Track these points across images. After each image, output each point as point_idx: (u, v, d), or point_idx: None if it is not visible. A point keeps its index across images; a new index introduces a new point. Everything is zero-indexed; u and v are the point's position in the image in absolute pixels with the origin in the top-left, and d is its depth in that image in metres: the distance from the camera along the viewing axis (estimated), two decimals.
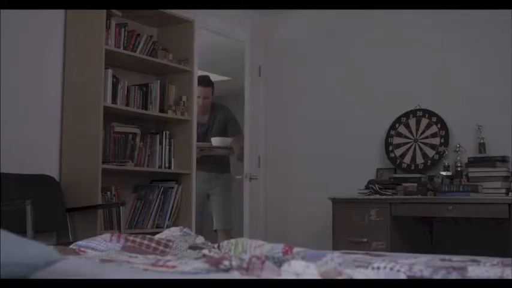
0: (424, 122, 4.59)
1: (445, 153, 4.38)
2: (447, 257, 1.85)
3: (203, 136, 4.84)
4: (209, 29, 4.97)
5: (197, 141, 4.52)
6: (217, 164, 4.95)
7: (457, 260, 1.78)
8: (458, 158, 4.27)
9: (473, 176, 4.14)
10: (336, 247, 4.03)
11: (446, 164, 4.31)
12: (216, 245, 2.01)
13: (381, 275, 1.33)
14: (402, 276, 1.34)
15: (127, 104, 4.06)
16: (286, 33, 5.37)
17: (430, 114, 4.58)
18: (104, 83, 3.80)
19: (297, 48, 5.33)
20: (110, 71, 3.89)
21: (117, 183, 4.09)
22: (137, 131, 4.16)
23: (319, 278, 1.25)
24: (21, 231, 2.29)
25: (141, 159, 4.17)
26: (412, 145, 4.62)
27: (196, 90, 4.56)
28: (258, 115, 5.38)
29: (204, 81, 4.89)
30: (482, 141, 4.27)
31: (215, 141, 4.90)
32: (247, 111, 5.44)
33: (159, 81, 4.29)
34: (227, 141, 4.95)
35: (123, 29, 4.02)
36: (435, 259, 1.76)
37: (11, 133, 3.61)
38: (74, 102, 3.88)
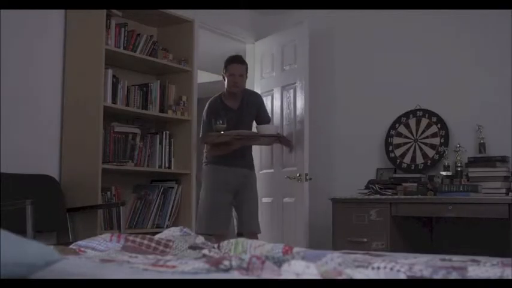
0: (424, 122, 4.59)
1: (445, 153, 4.38)
2: (447, 257, 1.85)
3: (233, 123, 4.11)
4: (209, 29, 4.97)
5: (226, 129, 4.01)
6: (248, 159, 4.30)
7: (457, 260, 1.77)
8: (458, 158, 4.27)
9: (473, 176, 4.14)
10: (336, 247, 4.03)
11: (446, 164, 4.31)
12: (216, 245, 2.01)
13: (381, 275, 1.33)
14: (402, 276, 1.34)
15: (127, 104, 4.06)
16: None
17: (430, 114, 4.58)
18: (104, 83, 3.81)
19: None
20: (110, 71, 3.89)
21: (117, 183, 4.10)
22: (137, 131, 4.16)
23: (319, 278, 1.25)
24: (21, 231, 2.29)
25: (141, 159, 4.17)
26: (412, 145, 4.62)
27: (231, 68, 4.17)
28: None
29: (238, 58, 4.29)
30: (482, 141, 4.27)
31: (263, 128, 4.26)
32: None
33: (159, 81, 4.29)
34: (275, 128, 4.39)
35: (123, 29, 4.02)
36: (435, 259, 1.76)
37: (11, 133, 3.61)
38: (74, 102, 3.88)
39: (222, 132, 4.01)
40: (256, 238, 3.90)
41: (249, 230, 4.12)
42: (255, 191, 4.30)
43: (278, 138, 4.40)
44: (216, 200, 4.09)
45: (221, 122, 4.00)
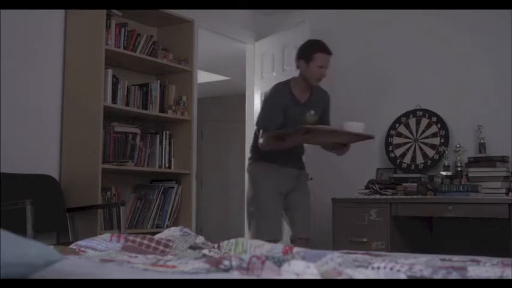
0: (424, 122, 4.59)
1: (445, 153, 4.38)
2: (447, 257, 1.85)
3: (296, 118, 3.60)
4: (209, 29, 4.97)
5: (287, 124, 3.58)
6: (300, 157, 3.88)
7: (457, 260, 1.77)
8: (458, 158, 4.26)
9: (473, 176, 4.14)
10: (336, 247, 4.02)
11: (446, 164, 4.31)
12: (216, 245, 2.01)
13: (381, 275, 1.33)
14: (402, 276, 1.34)
15: (127, 104, 4.06)
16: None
17: (430, 114, 4.58)
18: (104, 83, 3.81)
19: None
20: (110, 71, 3.90)
21: (117, 183, 4.10)
22: (137, 131, 4.16)
23: (319, 278, 1.25)
24: (21, 231, 2.29)
25: (141, 159, 4.17)
26: (412, 145, 4.62)
27: (321, 58, 3.63)
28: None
29: (327, 47, 3.70)
30: (482, 141, 4.27)
31: (350, 126, 3.73)
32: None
33: (159, 81, 4.29)
34: (363, 127, 3.82)
35: (123, 29, 4.02)
36: (435, 259, 1.76)
37: (11, 133, 3.61)
38: (74, 102, 3.88)
39: (308, 126, 3.44)
40: (306, 246, 3.43)
41: (302, 236, 3.68)
42: (307, 192, 3.86)
43: (365, 139, 3.80)
44: (271, 203, 3.64)
45: (312, 113, 3.59)
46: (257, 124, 3.69)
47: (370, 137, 3.77)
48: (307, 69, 3.64)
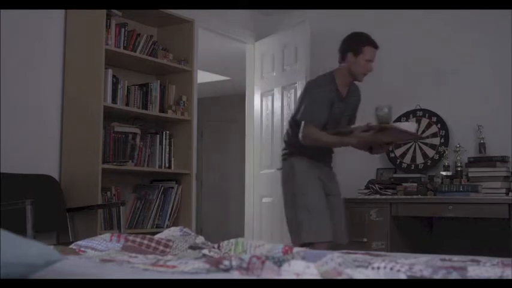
0: (424, 122, 4.59)
1: (445, 153, 4.38)
2: (447, 257, 1.85)
3: (339, 114, 3.55)
4: (209, 29, 4.97)
5: (330, 121, 3.47)
6: (332, 158, 3.75)
7: (457, 260, 1.77)
8: (458, 158, 4.26)
9: (473, 176, 4.14)
10: (336, 247, 4.02)
11: (446, 164, 4.31)
12: (216, 245, 2.01)
13: (381, 275, 1.33)
14: (402, 276, 1.34)
15: (127, 104, 4.06)
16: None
17: (430, 114, 4.58)
18: (104, 83, 3.81)
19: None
20: (110, 71, 3.89)
21: (117, 183, 4.10)
22: (137, 131, 4.16)
23: (319, 278, 1.25)
24: (21, 231, 2.29)
25: (141, 159, 4.17)
26: (412, 145, 4.61)
27: (369, 51, 3.50)
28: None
29: (374, 41, 3.56)
30: (482, 141, 4.27)
31: (406, 125, 3.71)
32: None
33: (159, 81, 4.29)
34: (416, 126, 3.75)
35: (123, 29, 4.02)
36: (435, 259, 1.76)
37: (11, 133, 3.61)
38: (74, 102, 3.88)
39: (384, 124, 3.36)
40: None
41: (344, 242, 3.50)
42: (340, 193, 3.73)
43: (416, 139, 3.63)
44: (322, 202, 3.47)
45: (386, 110, 3.46)
46: (303, 118, 3.45)
47: (420, 138, 3.67)
48: (355, 62, 3.49)
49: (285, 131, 3.77)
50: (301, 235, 3.39)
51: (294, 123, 3.54)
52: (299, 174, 3.49)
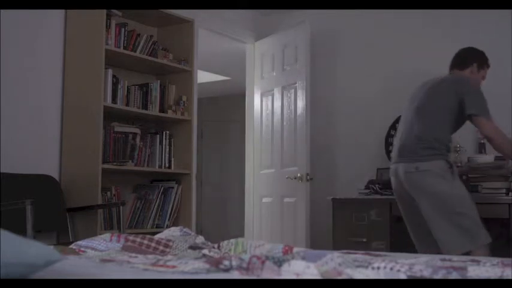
0: None
1: None
2: (447, 257, 1.85)
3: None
4: (209, 29, 4.97)
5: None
6: None
7: (457, 260, 1.78)
8: (458, 158, 4.26)
9: (473, 176, 4.14)
10: (336, 247, 4.02)
11: None
12: (216, 245, 2.01)
13: (381, 275, 1.33)
14: (402, 276, 1.34)
15: (127, 104, 4.06)
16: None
17: None
18: (104, 83, 3.81)
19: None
20: (110, 71, 3.90)
21: (117, 183, 4.10)
22: (137, 131, 4.16)
23: (319, 278, 1.25)
24: (21, 231, 2.29)
25: (141, 159, 4.17)
26: None
27: (486, 69, 3.62)
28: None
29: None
30: (482, 141, 4.27)
31: None
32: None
33: (159, 81, 4.29)
34: None
35: (123, 29, 4.02)
36: (435, 259, 1.76)
37: (11, 133, 3.61)
38: (74, 102, 3.88)
39: None
40: None
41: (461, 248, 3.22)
42: None
43: None
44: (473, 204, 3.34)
45: None
46: (481, 112, 3.32)
47: None
48: (475, 75, 3.54)
49: (419, 126, 3.47)
50: (473, 239, 3.23)
51: (443, 118, 3.39)
52: (456, 174, 3.38)
